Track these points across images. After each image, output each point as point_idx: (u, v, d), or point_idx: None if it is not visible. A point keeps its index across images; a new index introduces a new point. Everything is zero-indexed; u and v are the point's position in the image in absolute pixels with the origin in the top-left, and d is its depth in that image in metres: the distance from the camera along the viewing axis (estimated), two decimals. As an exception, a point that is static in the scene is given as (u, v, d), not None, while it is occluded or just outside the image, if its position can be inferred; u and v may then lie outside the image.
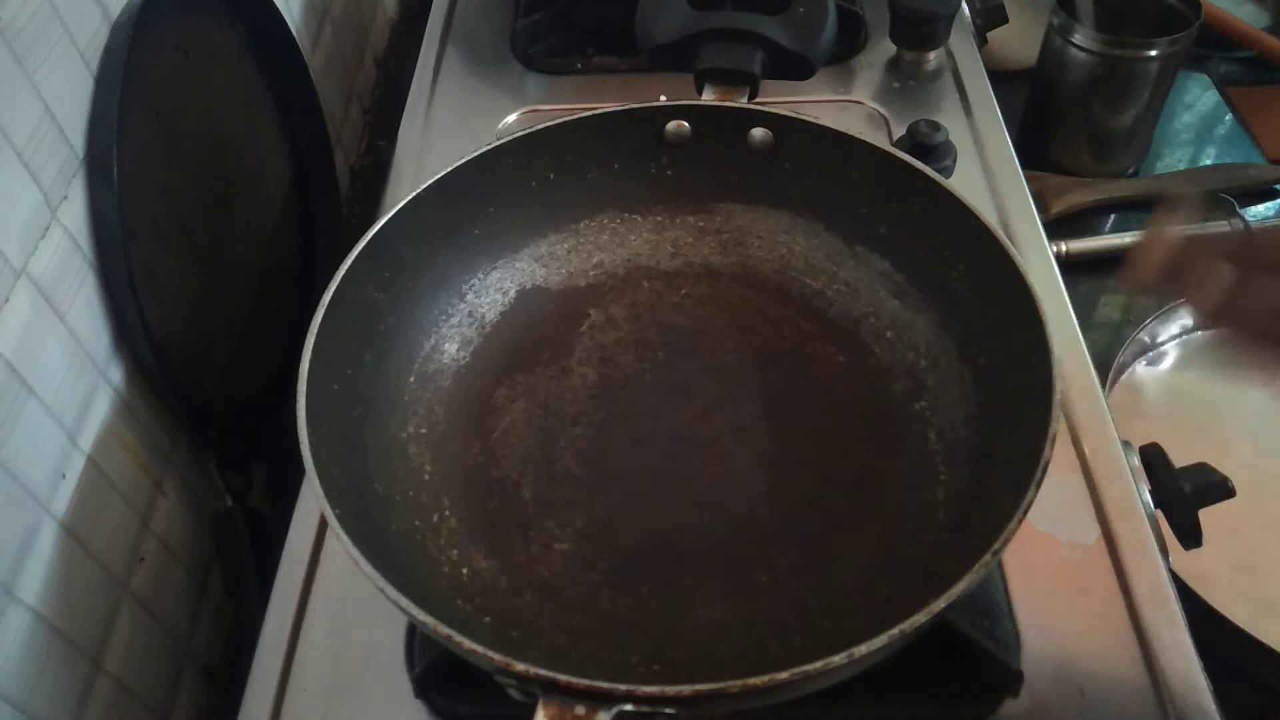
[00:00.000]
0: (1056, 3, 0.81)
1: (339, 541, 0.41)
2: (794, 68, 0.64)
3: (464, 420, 0.57)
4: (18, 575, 0.47)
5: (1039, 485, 0.41)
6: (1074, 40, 0.80)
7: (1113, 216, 0.86)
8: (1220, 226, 0.81)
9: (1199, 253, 0.40)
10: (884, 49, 0.81)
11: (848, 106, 0.77)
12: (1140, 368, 0.74)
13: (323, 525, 0.54)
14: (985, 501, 0.47)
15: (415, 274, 0.56)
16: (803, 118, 0.58)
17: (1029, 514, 0.40)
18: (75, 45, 0.53)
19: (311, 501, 0.54)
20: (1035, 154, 0.87)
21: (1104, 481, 0.54)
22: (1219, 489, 0.55)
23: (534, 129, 0.58)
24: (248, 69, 0.70)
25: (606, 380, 0.58)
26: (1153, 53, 0.79)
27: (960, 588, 0.38)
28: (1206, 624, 0.55)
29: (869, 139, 0.56)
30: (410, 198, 0.54)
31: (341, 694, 0.49)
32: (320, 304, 0.49)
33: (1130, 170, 0.89)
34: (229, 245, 0.66)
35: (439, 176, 0.55)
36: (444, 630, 0.38)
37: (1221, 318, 0.40)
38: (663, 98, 0.61)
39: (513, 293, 0.61)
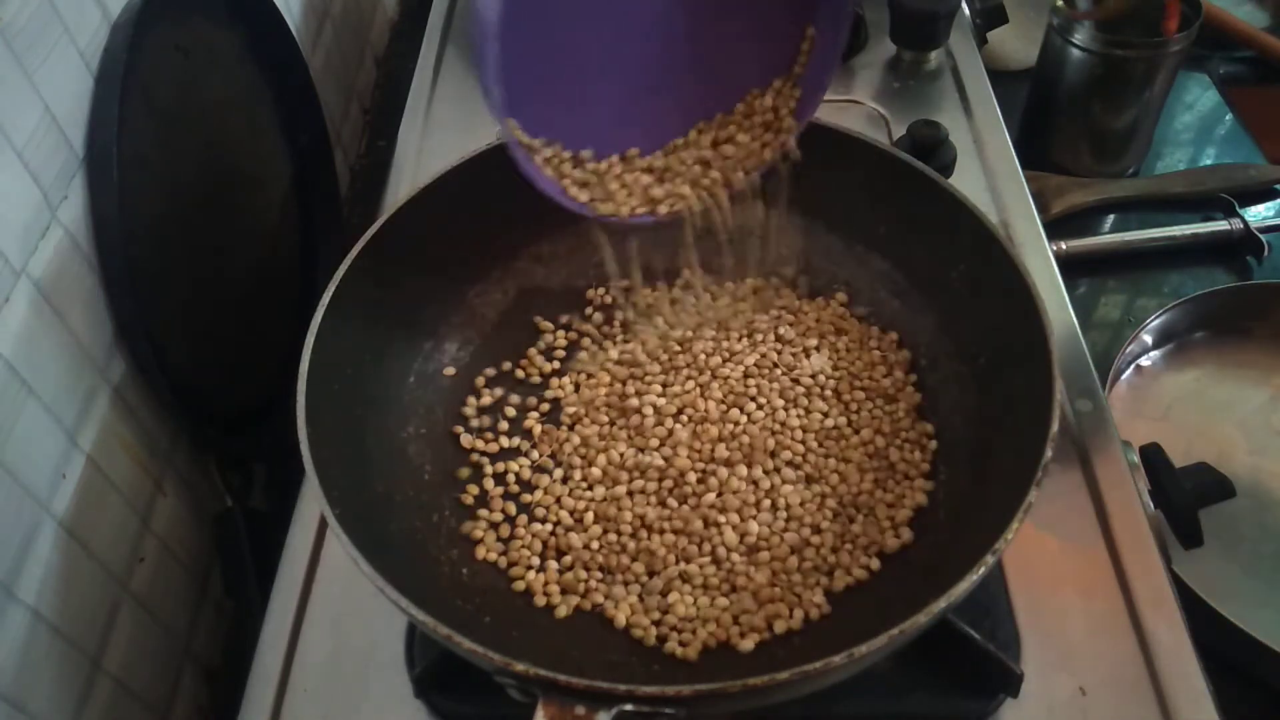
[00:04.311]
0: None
1: (339, 541, 0.41)
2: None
3: (464, 420, 0.57)
4: (18, 575, 0.47)
5: (1039, 485, 0.41)
6: (1074, 40, 0.80)
7: (1113, 216, 0.86)
8: (1220, 225, 0.82)
9: None
10: (884, 49, 0.81)
11: (848, 106, 0.77)
12: (1140, 368, 0.73)
13: (323, 525, 0.54)
14: (985, 501, 0.47)
15: (415, 274, 0.56)
16: (803, 117, 0.58)
17: (1029, 514, 0.40)
18: (75, 45, 0.53)
19: (311, 501, 0.54)
20: (1035, 154, 0.87)
21: (1104, 481, 0.54)
22: (1219, 489, 0.55)
23: (534, 129, 0.58)
24: (248, 69, 0.70)
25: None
26: (1152, 53, 0.79)
27: (960, 588, 0.38)
28: (1206, 624, 0.55)
29: (869, 139, 0.56)
30: (410, 198, 0.54)
31: (341, 694, 0.49)
32: (320, 304, 0.49)
33: (1130, 170, 0.89)
34: (229, 245, 0.66)
35: (439, 176, 0.56)
36: (444, 630, 0.38)
37: None
38: (663, 98, 0.61)
39: (513, 293, 0.61)
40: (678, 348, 0.59)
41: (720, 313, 0.60)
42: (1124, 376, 0.73)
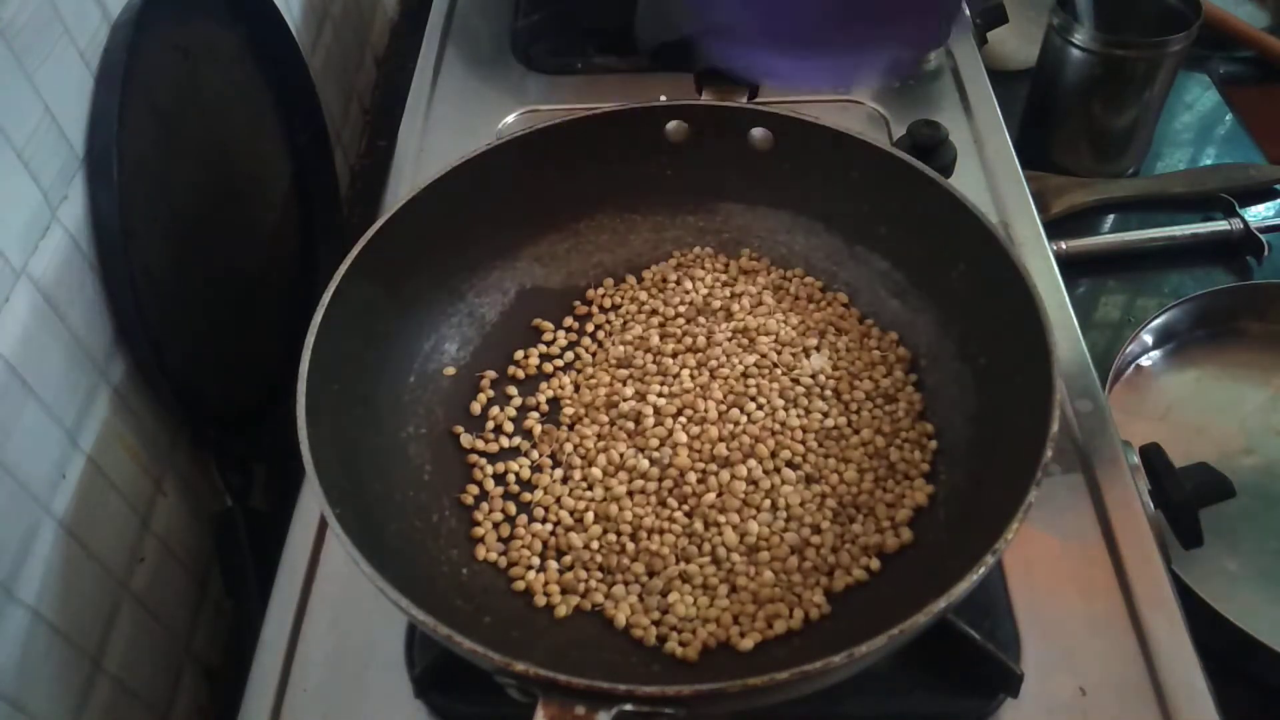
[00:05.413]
0: (1056, 3, 0.81)
1: (339, 541, 0.41)
2: (794, 67, 0.64)
3: (464, 420, 0.57)
4: (18, 575, 0.47)
5: (1039, 485, 0.41)
6: (1074, 40, 0.80)
7: (1113, 216, 0.86)
8: (1220, 225, 0.82)
9: None
10: (884, 49, 0.81)
11: (848, 106, 0.77)
12: (1140, 368, 0.74)
13: (323, 525, 0.54)
14: (985, 501, 0.47)
15: (415, 274, 0.56)
16: (802, 117, 0.58)
17: (1029, 514, 0.40)
18: (75, 45, 0.53)
19: (311, 501, 0.54)
20: (1035, 154, 0.87)
21: (1104, 481, 0.54)
22: (1219, 489, 0.55)
23: (534, 129, 0.58)
24: (248, 69, 0.70)
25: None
26: (1153, 53, 0.79)
27: (960, 588, 0.38)
28: (1206, 624, 0.55)
29: (869, 139, 0.56)
30: (410, 198, 0.54)
31: (341, 694, 0.49)
32: (320, 304, 0.49)
33: (1130, 170, 0.89)
34: (229, 245, 0.66)
35: (439, 176, 0.56)
36: (444, 630, 0.38)
37: None
38: (663, 98, 0.62)
39: (513, 293, 0.61)
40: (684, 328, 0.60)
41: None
42: (1124, 376, 0.73)
